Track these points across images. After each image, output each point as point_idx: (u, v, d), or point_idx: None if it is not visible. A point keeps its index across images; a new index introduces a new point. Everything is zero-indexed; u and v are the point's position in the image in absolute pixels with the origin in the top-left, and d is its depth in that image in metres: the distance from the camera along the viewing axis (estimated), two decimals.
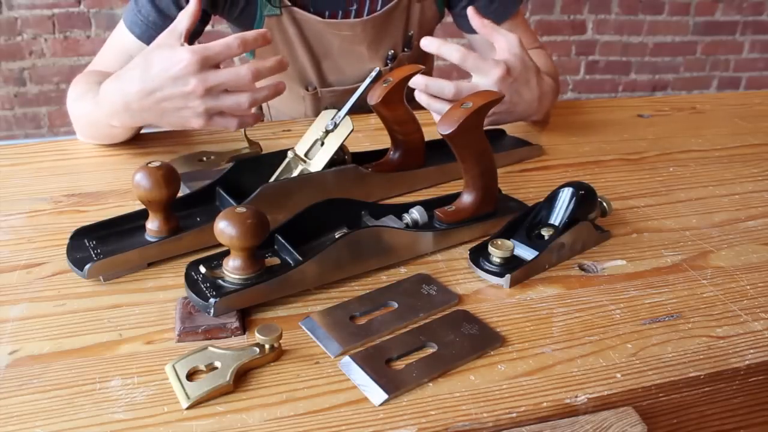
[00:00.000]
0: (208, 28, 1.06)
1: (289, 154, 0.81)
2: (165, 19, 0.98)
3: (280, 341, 0.55)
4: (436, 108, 0.87)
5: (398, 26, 1.14)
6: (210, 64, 0.75)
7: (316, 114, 0.82)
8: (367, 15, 1.10)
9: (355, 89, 0.79)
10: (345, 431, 0.50)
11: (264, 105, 1.32)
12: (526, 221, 0.73)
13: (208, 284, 0.61)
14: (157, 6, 0.97)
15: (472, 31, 1.17)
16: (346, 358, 0.56)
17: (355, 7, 1.10)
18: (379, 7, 1.11)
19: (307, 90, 1.17)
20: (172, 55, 0.75)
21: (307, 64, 1.13)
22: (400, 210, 0.74)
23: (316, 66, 1.14)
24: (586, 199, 0.71)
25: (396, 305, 0.63)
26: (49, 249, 0.71)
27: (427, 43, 0.86)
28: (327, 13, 1.09)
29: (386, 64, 1.16)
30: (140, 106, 0.78)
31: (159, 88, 0.76)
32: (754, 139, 1.07)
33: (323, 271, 0.65)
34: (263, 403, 0.52)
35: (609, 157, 0.98)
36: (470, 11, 0.92)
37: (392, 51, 1.16)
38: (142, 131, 0.97)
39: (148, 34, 0.98)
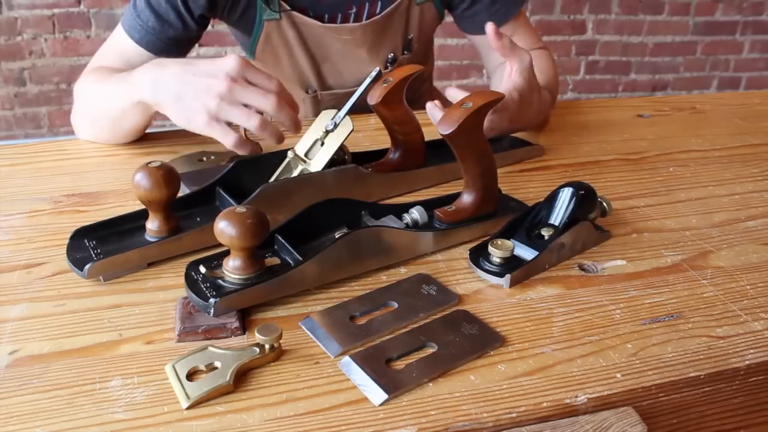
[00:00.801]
0: (208, 28, 1.06)
1: (289, 154, 0.81)
2: (164, 24, 0.98)
3: (280, 341, 0.55)
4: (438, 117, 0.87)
5: (398, 29, 1.14)
6: (248, 73, 0.79)
7: (316, 116, 0.82)
8: (367, 19, 1.10)
9: (356, 92, 0.79)
10: (345, 431, 0.50)
11: None
12: (526, 221, 0.73)
13: (208, 284, 0.61)
14: (156, 11, 0.97)
15: (474, 32, 1.17)
16: (346, 358, 0.56)
17: (354, 10, 1.10)
18: (378, 11, 1.11)
19: (307, 93, 1.17)
20: (222, 57, 0.80)
21: (307, 67, 1.13)
22: (400, 210, 0.74)
23: (316, 69, 1.14)
24: (586, 199, 0.71)
25: (396, 305, 0.63)
26: (49, 249, 0.71)
27: (454, 94, 0.85)
28: (326, 17, 1.09)
29: (386, 67, 1.16)
30: (168, 82, 0.81)
31: (194, 67, 0.80)
32: (754, 139, 1.07)
33: (323, 271, 0.65)
34: (263, 403, 0.52)
35: (609, 157, 0.98)
36: (489, 29, 0.84)
37: (392, 54, 1.16)
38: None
39: (147, 39, 0.98)
